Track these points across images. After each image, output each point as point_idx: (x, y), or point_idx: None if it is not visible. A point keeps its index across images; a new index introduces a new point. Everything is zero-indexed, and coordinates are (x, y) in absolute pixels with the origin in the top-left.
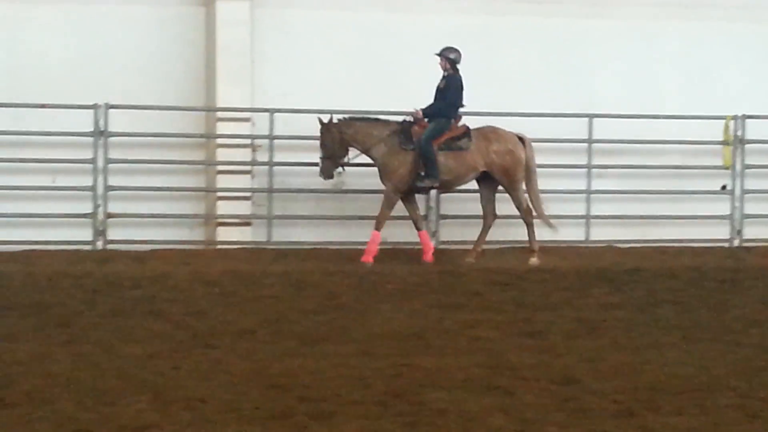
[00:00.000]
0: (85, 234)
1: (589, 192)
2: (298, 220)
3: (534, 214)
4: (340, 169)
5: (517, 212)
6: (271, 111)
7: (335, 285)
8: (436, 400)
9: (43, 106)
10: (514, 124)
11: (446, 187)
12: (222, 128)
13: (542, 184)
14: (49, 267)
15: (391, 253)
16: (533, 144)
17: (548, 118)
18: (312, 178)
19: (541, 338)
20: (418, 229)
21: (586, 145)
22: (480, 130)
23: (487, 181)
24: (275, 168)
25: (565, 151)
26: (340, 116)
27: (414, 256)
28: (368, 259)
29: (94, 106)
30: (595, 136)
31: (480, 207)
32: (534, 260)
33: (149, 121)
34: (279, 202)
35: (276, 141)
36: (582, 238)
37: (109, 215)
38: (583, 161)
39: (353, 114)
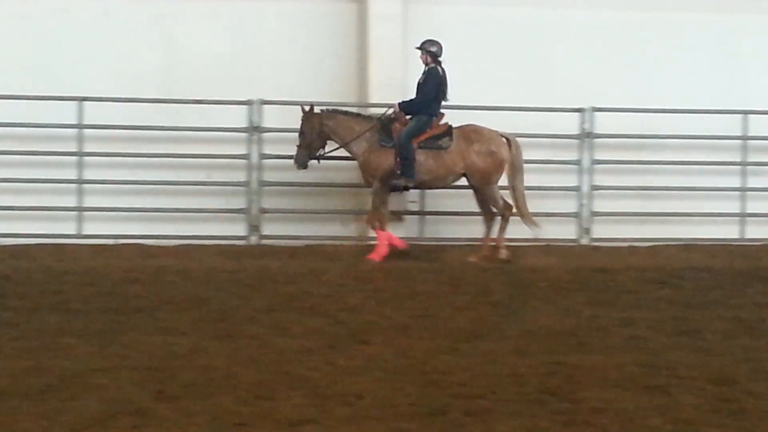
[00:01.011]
0: (239, 229)
1: (744, 189)
2: (449, 216)
3: (513, 210)
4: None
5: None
6: None
7: (488, 281)
8: (591, 398)
9: (198, 102)
10: (664, 120)
11: (424, 187)
12: None
13: (697, 181)
14: (204, 262)
15: (545, 250)
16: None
17: (701, 114)
18: None
19: (698, 337)
20: (380, 228)
21: (740, 142)
22: (461, 129)
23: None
24: None
25: (718, 148)
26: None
27: (555, 252)
28: (375, 257)
29: (248, 102)
30: (750, 133)
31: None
32: (504, 254)
33: None
34: (430, 199)
35: None
36: (736, 236)
37: (263, 211)
38: (738, 158)
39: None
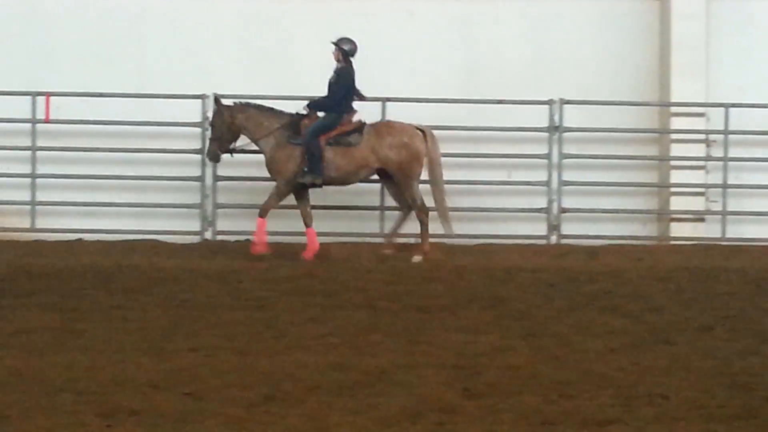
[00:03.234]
0: (539, 229)
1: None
2: (753, 216)
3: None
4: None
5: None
6: (726, 106)
7: None
8: None
9: (500, 102)
10: None
11: (334, 184)
12: (676, 123)
13: None
14: (505, 261)
15: None
16: None
17: None
18: None
19: None
20: (306, 225)
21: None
22: (374, 125)
23: (388, 176)
24: (730, 163)
25: None
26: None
27: None
28: (257, 249)
29: (549, 102)
30: None
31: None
32: (417, 258)
33: (603, 116)
34: (733, 199)
35: (731, 136)
36: None
37: (563, 210)
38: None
39: None
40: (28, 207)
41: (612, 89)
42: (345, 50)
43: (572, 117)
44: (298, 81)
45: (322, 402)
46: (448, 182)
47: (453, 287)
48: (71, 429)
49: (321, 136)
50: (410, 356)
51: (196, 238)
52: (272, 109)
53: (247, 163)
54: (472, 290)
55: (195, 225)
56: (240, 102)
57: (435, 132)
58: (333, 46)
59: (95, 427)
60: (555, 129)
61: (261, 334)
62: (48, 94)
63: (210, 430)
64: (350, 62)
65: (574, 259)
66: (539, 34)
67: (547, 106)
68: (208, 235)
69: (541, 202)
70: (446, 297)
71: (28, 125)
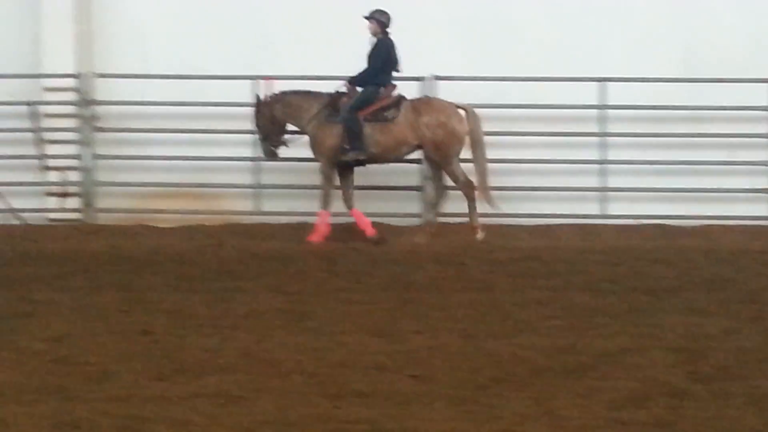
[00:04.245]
0: (762, 209)
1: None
2: None
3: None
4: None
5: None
6: None
7: None
8: None
9: (719, 80)
10: None
11: (376, 160)
12: None
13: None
14: (729, 242)
15: None
16: None
17: None
18: None
19: None
20: (348, 207)
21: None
22: (413, 101)
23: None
24: None
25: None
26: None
27: None
28: (315, 238)
29: None
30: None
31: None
32: (480, 235)
33: None
34: None
35: None
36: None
37: None
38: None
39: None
40: (251, 190)
41: None
42: (382, 21)
43: None
44: (520, 61)
45: (548, 385)
46: (671, 162)
47: (675, 269)
48: (300, 410)
49: (359, 112)
50: (636, 339)
51: (416, 221)
52: (309, 92)
53: None
54: (695, 272)
55: (415, 207)
56: (275, 93)
57: (655, 113)
58: (367, 21)
59: (324, 408)
60: None
61: (486, 316)
62: (267, 78)
63: (438, 412)
64: (387, 33)
65: None
66: (762, 8)
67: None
68: (429, 216)
69: (764, 183)
70: (669, 279)
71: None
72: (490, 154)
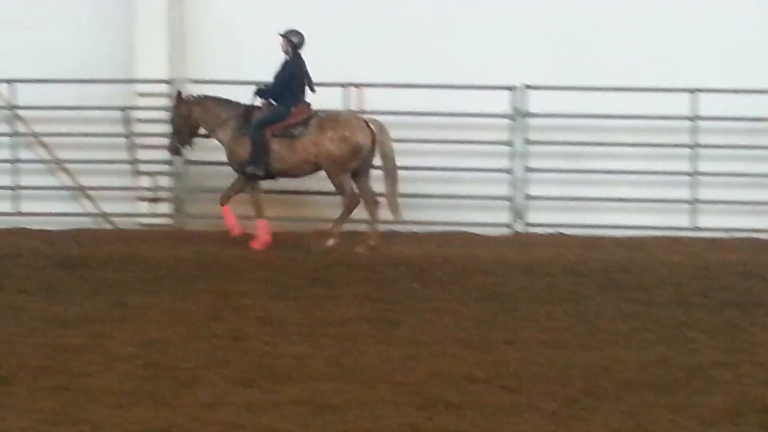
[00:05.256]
0: None
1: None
2: None
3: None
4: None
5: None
6: None
7: None
8: None
9: None
10: None
11: (281, 176)
12: None
13: None
14: None
15: None
16: None
17: None
18: None
19: None
20: (257, 216)
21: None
22: (320, 118)
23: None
24: None
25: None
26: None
27: None
28: (257, 245)
29: None
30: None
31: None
32: (331, 242)
33: None
34: None
35: None
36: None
37: None
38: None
39: None
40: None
41: None
42: (293, 42)
43: None
44: (611, 72)
45: (640, 399)
46: (763, 175)
47: None
48: (393, 420)
49: (266, 128)
50: (729, 354)
51: (505, 230)
52: (229, 100)
53: (556, 155)
54: None
55: (505, 217)
56: (196, 95)
57: (749, 124)
58: (281, 39)
59: (416, 418)
60: None
61: (575, 328)
62: (359, 85)
63: (530, 424)
64: (298, 54)
65: None
66: None
67: None
68: (518, 227)
69: None
70: (763, 293)
71: None
72: (580, 164)
